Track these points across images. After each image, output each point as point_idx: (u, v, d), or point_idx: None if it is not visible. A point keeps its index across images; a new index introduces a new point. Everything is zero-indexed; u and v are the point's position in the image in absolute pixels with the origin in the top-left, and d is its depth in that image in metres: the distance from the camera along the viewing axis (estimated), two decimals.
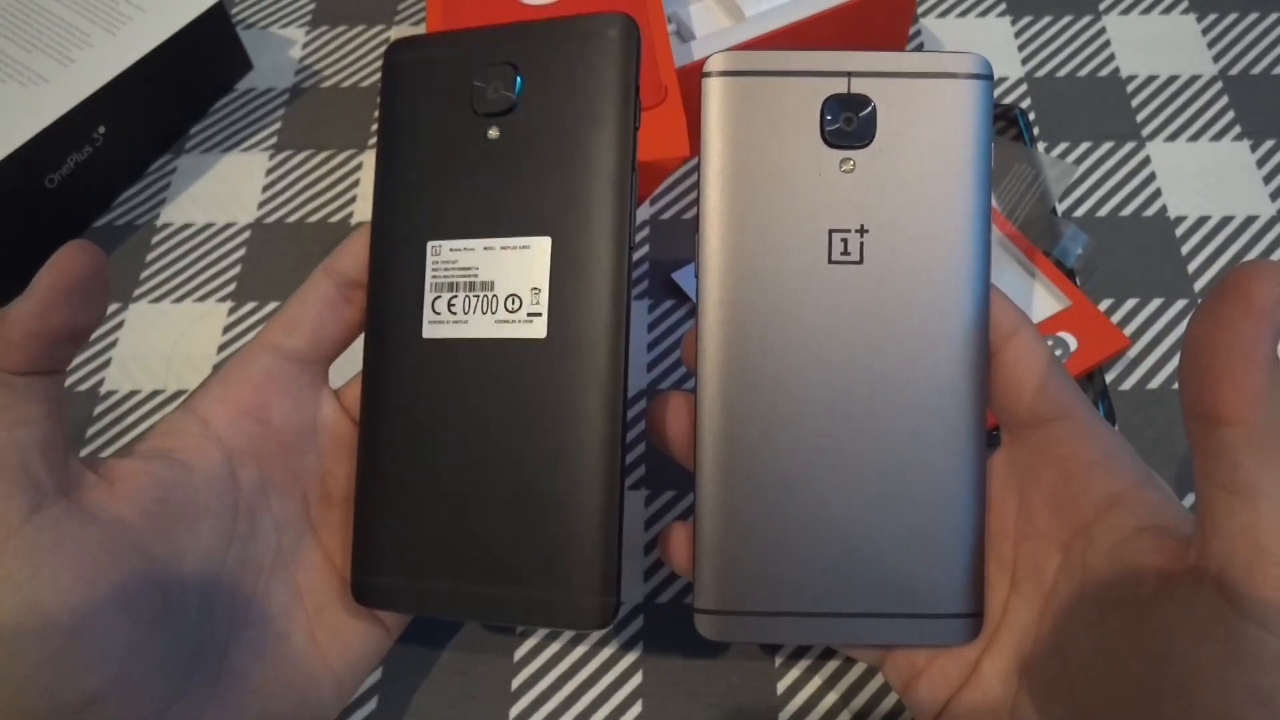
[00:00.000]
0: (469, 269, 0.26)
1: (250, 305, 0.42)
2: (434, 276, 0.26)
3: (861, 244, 0.25)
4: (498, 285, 0.26)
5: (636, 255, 0.43)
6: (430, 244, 0.26)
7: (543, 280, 0.25)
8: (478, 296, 0.26)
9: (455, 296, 0.26)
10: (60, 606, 0.21)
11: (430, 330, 0.26)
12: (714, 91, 0.25)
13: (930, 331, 0.25)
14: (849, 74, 0.25)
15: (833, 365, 0.25)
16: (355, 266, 0.28)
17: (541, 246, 0.25)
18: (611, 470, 0.25)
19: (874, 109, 0.25)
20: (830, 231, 0.25)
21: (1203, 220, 0.42)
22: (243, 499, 0.27)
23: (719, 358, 0.25)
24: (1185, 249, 0.42)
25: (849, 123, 0.25)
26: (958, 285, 0.25)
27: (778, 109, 0.25)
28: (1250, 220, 0.42)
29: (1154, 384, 0.38)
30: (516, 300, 0.25)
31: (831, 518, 0.25)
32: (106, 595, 0.22)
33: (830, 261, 0.25)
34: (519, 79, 0.26)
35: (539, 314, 0.25)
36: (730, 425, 0.25)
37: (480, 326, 0.26)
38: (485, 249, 0.26)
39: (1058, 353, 0.36)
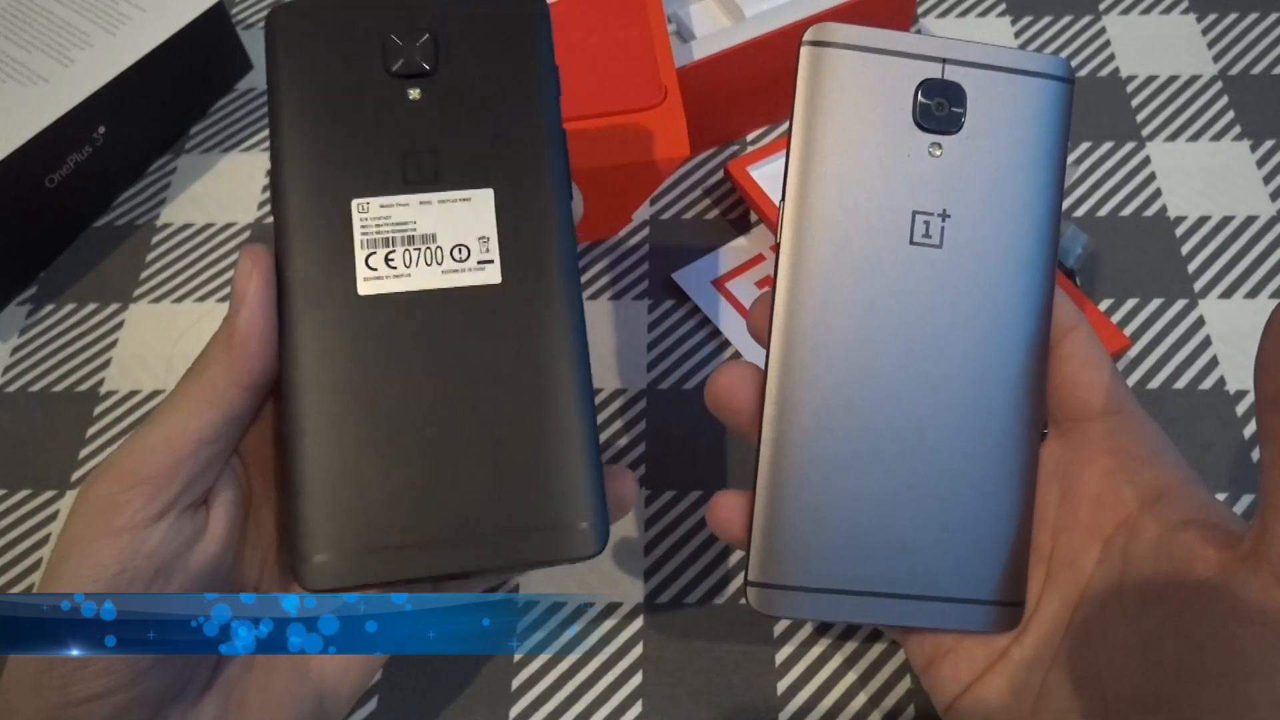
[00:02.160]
0: (404, 224, 0.26)
1: None
2: (364, 234, 0.26)
3: (943, 228, 0.25)
4: (440, 237, 0.26)
5: (636, 255, 0.43)
6: (356, 202, 0.26)
7: (490, 229, 0.26)
8: (419, 249, 0.26)
9: (393, 251, 0.26)
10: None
11: (367, 288, 0.26)
12: (811, 60, 0.25)
13: (999, 321, 0.25)
14: (944, 60, 0.25)
15: (904, 346, 0.25)
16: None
17: (484, 198, 0.26)
18: (589, 405, 0.26)
19: (965, 98, 0.25)
20: (914, 213, 0.25)
21: (1203, 220, 0.42)
22: (252, 507, 0.26)
23: (793, 330, 0.25)
24: (1185, 249, 0.42)
25: (941, 108, 0.25)
26: (1028, 278, 0.25)
27: (873, 86, 0.25)
28: (1250, 220, 0.42)
29: (1154, 384, 0.38)
30: (464, 250, 0.26)
31: (890, 498, 0.25)
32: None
33: (911, 243, 0.25)
34: (435, 45, 0.26)
35: (490, 261, 0.26)
36: (799, 399, 0.25)
37: (425, 278, 0.26)
38: (421, 204, 0.26)
39: None
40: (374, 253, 0.26)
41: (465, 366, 0.25)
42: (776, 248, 0.25)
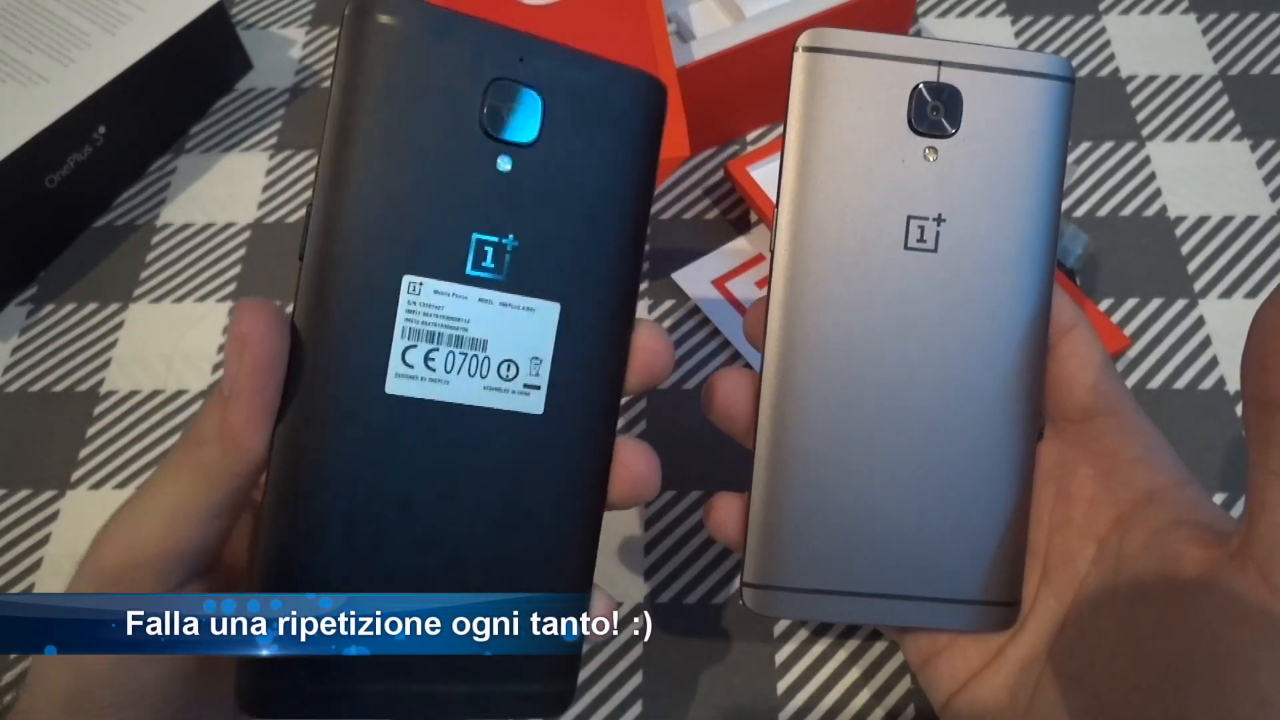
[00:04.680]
0: (456, 320, 0.22)
1: None
2: (409, 321, 0.22)
3: (938, 233, 0.25)
4: (491, 346, 0.22)
5: None
6: (408, 279, 0.22)
7: (546, 350, 0.23)
8: (465, 355, 0.22)
9: (435, 350, 0.22)
10: None
11: (396, 386, 0.22)
12: (805, 66, 0.25)
13: (996, 324, 0.25)
14: (940, 63, 0.25)
15: (899, 351, 0.25)
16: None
17: (549, 312, 0.23)
18: (590, 559, 0.24)
19: (962, 100, 0.25)
20: (909, 218, 0.25)
21: (1203, 220, 0.42)
22: None
23: (788, 335, 0.25)
24: (1185, 249, 0.42)
25: (936, 111, 0.25)
26: (1026, 281, 0.25)
27: (867, 91, 0.25)
28: (1250, 220, 0.42)
29: (1154, 384, 0.38)
30: (513, 368, 0.23)
31: (885, 500, 0.25)
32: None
33: (906, 248, 0.25)
34: (541, 111, 0.22)
35: (537, 387, 0.23)
36: (794, 404, 0.25)
37: (465, 390, 0.22)
38: (481, 301, 0.22)
39: None
40: (413, 346, 0.22)
41: (484, 502, 0.23)
42: (771, 253, 0.25)
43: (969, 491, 0.25)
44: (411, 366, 0.22)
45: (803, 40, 0.25)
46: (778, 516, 0.25)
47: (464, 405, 0.22)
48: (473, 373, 0.22)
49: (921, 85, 0.25)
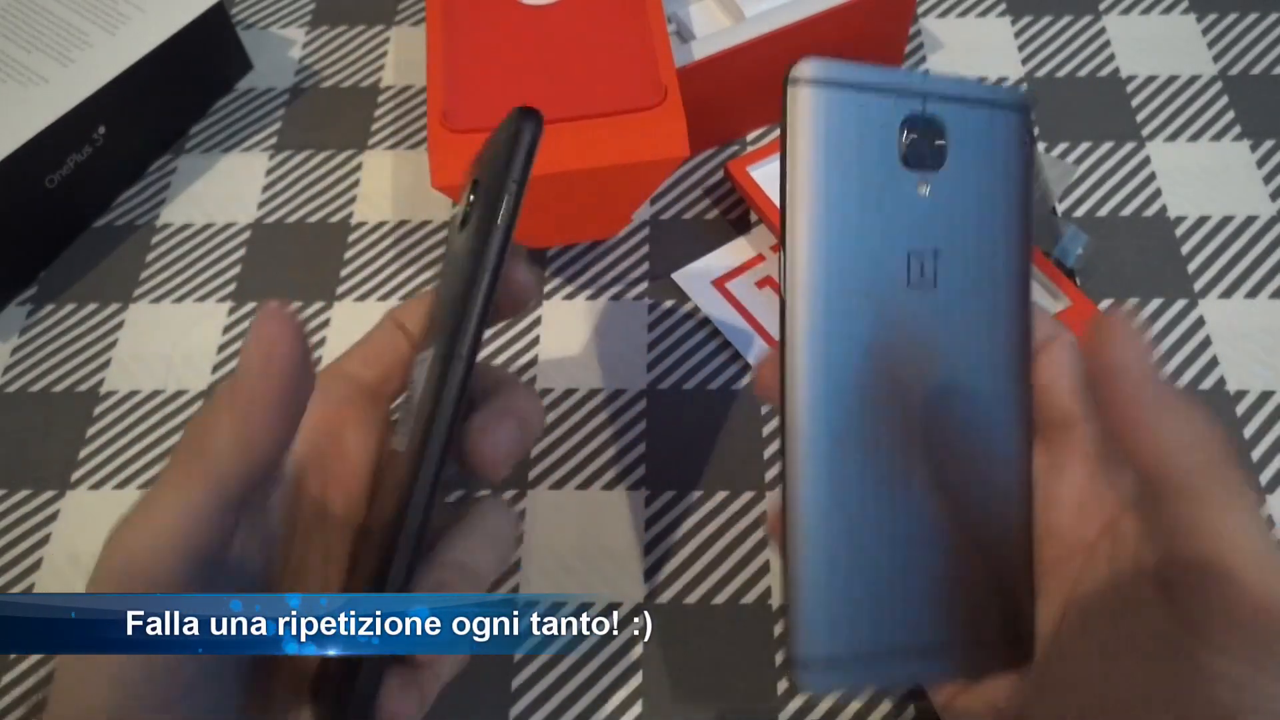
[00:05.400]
0: None
1: (250, 305, 0.42)
2: None
3: (935, 268, 0.25)
4: None
5: (636, 255, 0.43)
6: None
7: None
8: None
9: None
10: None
11: None
12: (802, 99, 0.24)
13: (993, 355, 0.25)
14: (924, 95, 0.25)
15: (911, 392, 0.25)
16: (415, 321, 0.28)
17: None
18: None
19: (946, 133, 0.25)
20: (909, 254, 0.25)
21: (1203, 220, 0.42)
22: (301, 521, 0.26)
23: (810, 392, 0.24)
24: (1185, 249, 0.42)
25: (926, 145, 0.25)
26: (1012, 308, 0.25)
27: (860, 125, 0.25)
28: (1250, 220, 0.42)
29: None
30: None
31: (910, 548, 0.24)
32: None
33: (909, 285, 0.25)
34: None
35: None
36: (823, 461, 0.24)
37: None
38: None
39: None
40: None
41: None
42: (781, 302, 0.24)
43: (987, 529, 0.25)
44: None
45: (797, 72, 0.25)
46: (818, 582, 0.24)
47: None
48: None
49: (910, 119, 0.25)
